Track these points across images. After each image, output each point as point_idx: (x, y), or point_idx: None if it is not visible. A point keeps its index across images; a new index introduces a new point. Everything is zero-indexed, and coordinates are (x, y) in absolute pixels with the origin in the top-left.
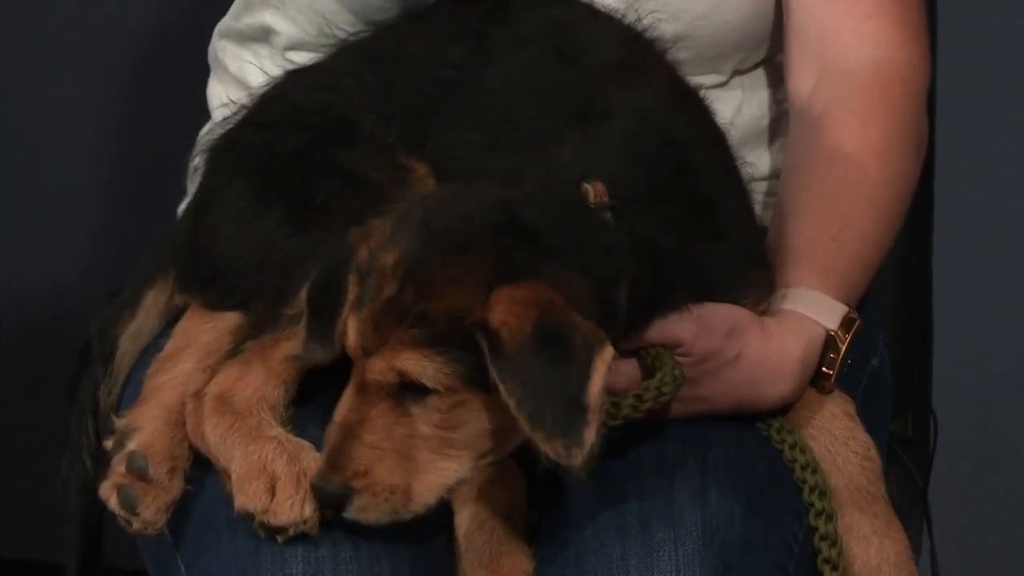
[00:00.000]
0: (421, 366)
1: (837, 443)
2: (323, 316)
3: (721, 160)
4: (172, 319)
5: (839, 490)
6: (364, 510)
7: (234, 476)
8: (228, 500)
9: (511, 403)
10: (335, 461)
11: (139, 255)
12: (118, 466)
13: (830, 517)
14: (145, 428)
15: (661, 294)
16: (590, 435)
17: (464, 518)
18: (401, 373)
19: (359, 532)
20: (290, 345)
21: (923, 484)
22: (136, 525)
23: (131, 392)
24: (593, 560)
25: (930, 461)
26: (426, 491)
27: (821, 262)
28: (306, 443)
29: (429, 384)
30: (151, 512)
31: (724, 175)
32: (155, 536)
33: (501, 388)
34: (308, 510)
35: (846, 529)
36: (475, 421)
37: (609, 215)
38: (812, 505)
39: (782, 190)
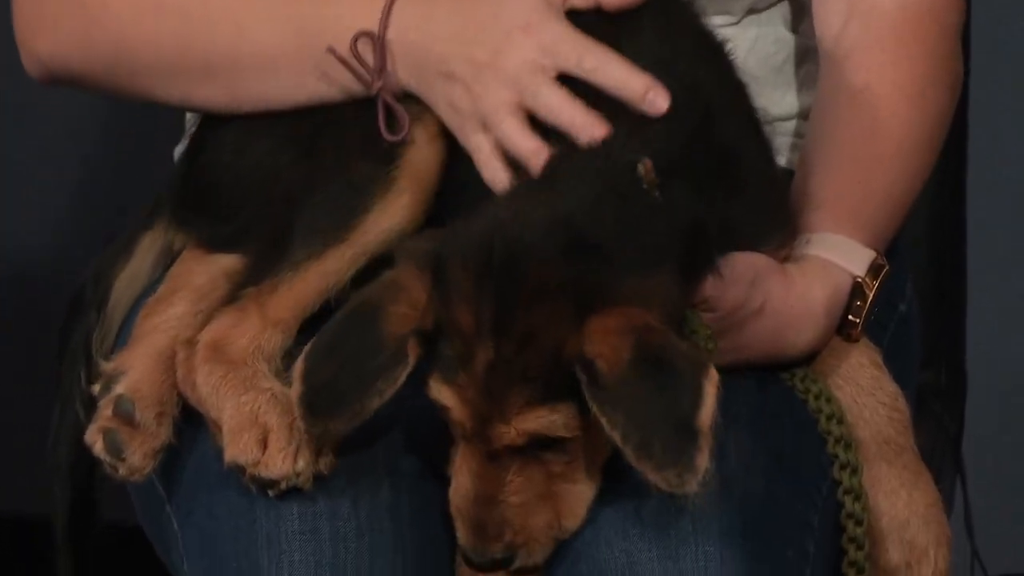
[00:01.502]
0: (550, 422)
1: (863, 393)
2: (346, 386)
3: (741, 108)
4: (169, 263)
5: (865, 442)
6: (531, 556)
7: (225, 428)
8: (219, 453)
9: (615, 436)
10: (487, 532)
11: (138, 200)
12: (105, 410)
13: (855, 470)
14: (133, 372)
15: (699, 262)
16: (703, 461)
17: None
18: (533, 435)
19: (359, 486)
20: (289, 294)
21: (956, 435)
22: (122, 471)
23: (124, 339)
24: (607, 517)
25: (963, 412)
26: (574, 517)
27: (847, 206)
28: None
29: (565, 434)
30: (138, 457)
31: (744, 123)
32: (143, 485)
33: (604, 421)
34: (301, 463)
35: (873, 482)
36: (599, 444)
37: (658, 194)
38: (836, 457)
39: (809, 133)
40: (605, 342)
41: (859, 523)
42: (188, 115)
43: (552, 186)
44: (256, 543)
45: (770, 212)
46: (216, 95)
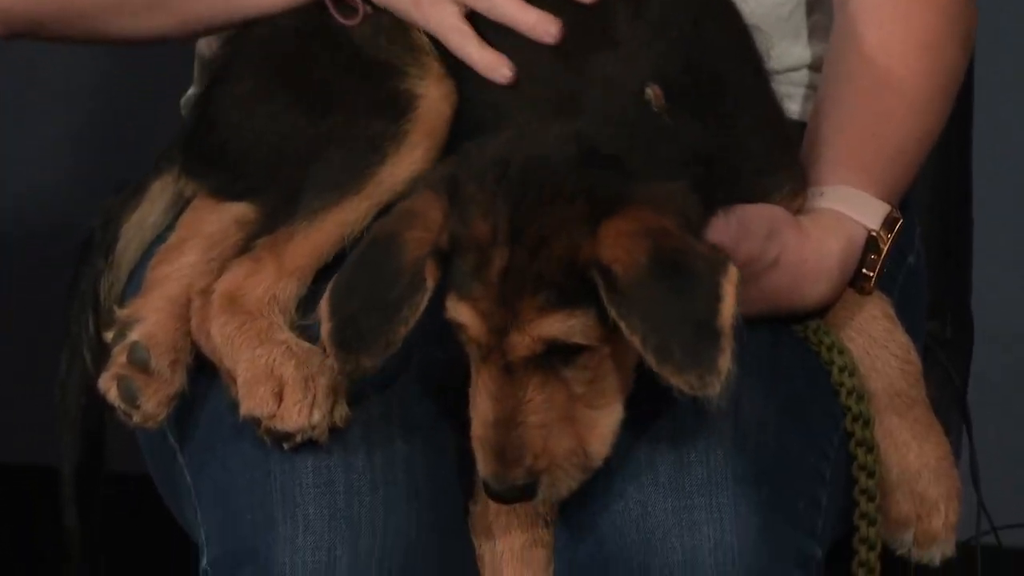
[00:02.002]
0: (568, 327)
1: (876, 345)
2: (371, 320)
3: (743, 49)
4: (180, 211)
5: (877, 394)
6: (555, 485)
7: (240, 380)
8: (233, 405)
9: (635, 340)
10: (508, 456)
11: (145, 149)
12: (119, 357)
13: (867, 422)
14: (148, 319)
15: (708, 197)
16: (725, 362)
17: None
18: (549, 341)
19: (373, 439)
20: (305, 243)
21: (961, 386)
22: (136, 418)
23: (135, 287)
24: (619, 464)
25: (968, 362)
26: (600, 445)
27: (860, 159)
28: (315, 348)
29: (582, 341)
30: (152, 404)
31: (745, 64)
32: (155, 436)
33: (623, 326)
34: (316, 415)
35: (884, 434)
36: (622, 365)
37: (668, 119)
38: (849, 409)
39: (822, 87)
40: (620, 245)
41: (871, 475)
42: (196, 63)
43: (563, 111)
44: (271, 496)
45: (776, 149)
46: (166, 23)
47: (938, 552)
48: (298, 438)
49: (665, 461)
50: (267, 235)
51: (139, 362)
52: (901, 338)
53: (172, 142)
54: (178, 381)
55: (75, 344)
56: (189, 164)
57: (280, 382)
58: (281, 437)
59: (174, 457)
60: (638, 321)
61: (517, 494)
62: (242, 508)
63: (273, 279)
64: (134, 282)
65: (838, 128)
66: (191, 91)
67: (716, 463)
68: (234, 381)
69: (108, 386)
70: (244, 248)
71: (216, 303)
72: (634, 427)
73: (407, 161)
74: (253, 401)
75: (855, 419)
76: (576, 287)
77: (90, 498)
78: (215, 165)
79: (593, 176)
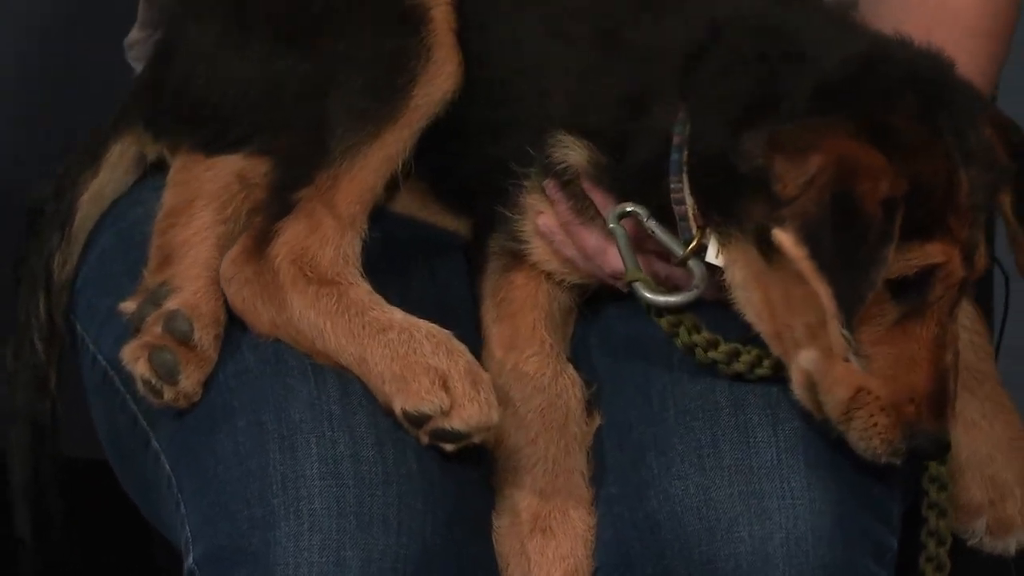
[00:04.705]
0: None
1: None
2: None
3: None
4: (141, 176)
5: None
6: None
7: (383, 370)
8: (224, 383)
9: None
10: (948, 408)
11: (85, 93)
12: (153, 326)
13: None
14: (187, 287)
15: None
16: None
17: (511, 427)
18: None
19: (382, 426)
20: (353, 185)
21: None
22: (168, 395)
23: (93, 263)
24: (678, 446)
25: (1002, 327)
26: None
27: None
28: (440, 328)
29: None
30: (192, 382)
31: None
32: (120, 419)
33: (1021, 236)
34: (495, 413)
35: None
36: None
37: None
38: None
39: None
40: (1000, 149)
41: (941, 462)
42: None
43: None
44: (270, 487)
45: None
46: None
47: (1013, 540)
48: (476, 439)
49: (727, 439)
50: (304, 186)
51: (180, 333)
52: (969, 307)
53: (130, 98)
54: (215, 359)
55: (24, 332)
56: (159, 124)
57: (440, 374)
58: (452, 438)
59: (147, 443)
60: None
61: (943, 452)
62: (236, 501)
63: (337, 233)
64: (89, 255)
65: None
66: (135, 32)
67: (786, 440)
68: (338, 365)
69: (136, 356)
70: (271, 201)
71: (286, 272)
72: (687, 401)
73: (439, 78)
74: (418, 397)
75: None
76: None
77: (45, 494)
78: (195, 119)
79: (964, 80)
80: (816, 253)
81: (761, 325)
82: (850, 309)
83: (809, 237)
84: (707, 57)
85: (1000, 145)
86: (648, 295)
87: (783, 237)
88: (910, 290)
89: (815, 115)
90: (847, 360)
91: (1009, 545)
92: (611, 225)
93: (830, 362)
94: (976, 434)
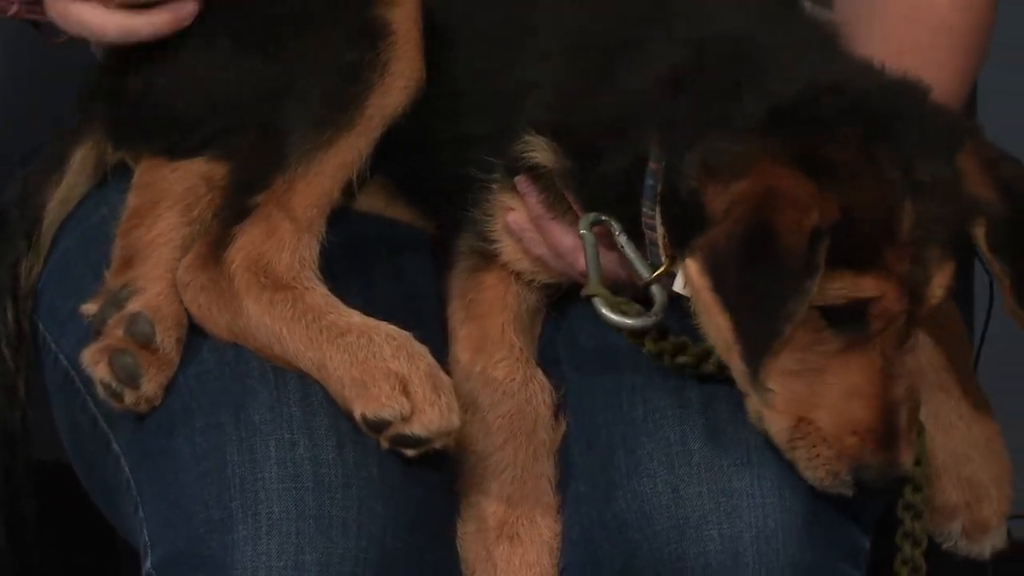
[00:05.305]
0: (954, 269)
1: None
2: (754, 325)
3: None
4: (102, 180)
5: (922, 372)
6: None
7: (343, 375)
8: (185, 386)
9: (1004, 282)
10: (901, 440)
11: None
12: (114, 328)
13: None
14: (149, 289)
15: None
16: None
17: (478, 432)
18: (949, 289)
19: (343, 428)
20: (310, 189)
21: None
22: (129, 399)
23: (56, 263)
24: (648, 444)
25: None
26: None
27: None
28: (400, 330)
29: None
30: (153, 386)
31: None
32: (82, 420)
33: (995, 269)
34: (455, 418)
35: (929, 414)
36: None
37: None
38: None
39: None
40: (978, 181)
41: (917, 461)
42: None
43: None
44: (228, 490)
45: None
46: None
47: (988, 543)
48: (437, 444)
49: (696, 437)
50: (261, 190)
51: (142, 336)
52: (951, 309)
53: (87, 100)
54: (177, 362)
55: None
56: (120, 133)
57: (400, 378)
58: (412, 443)
59: (108, 446)
60: (1007, 257)
61: (897, 485)
62: (194, 504)
63: (293, 238)
64: (52, 259)
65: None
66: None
67: (756, 441)
68: (301, 369)
69: (96, 359)
70: (227, 205)
71: (240, 278)
72: (658, 400)
73: (393, 92)
74: (377, 402)
75: None
76: (954, 229)
77: (19, 502)
78: (158, 126)
79: (937, 111)
80: (719, 285)
81: (720, 353)
82: (758, 343)
83: (714, 268)
84: (685, 85)
85: (982, 179)
86: (607, 313)
87: (691, 266)
88: (848, 320)
89: (756, 142)
90: (748, 395)
91: (984, 547)
92: (582, 231)
93: (772, 391)
94: (953, 435)
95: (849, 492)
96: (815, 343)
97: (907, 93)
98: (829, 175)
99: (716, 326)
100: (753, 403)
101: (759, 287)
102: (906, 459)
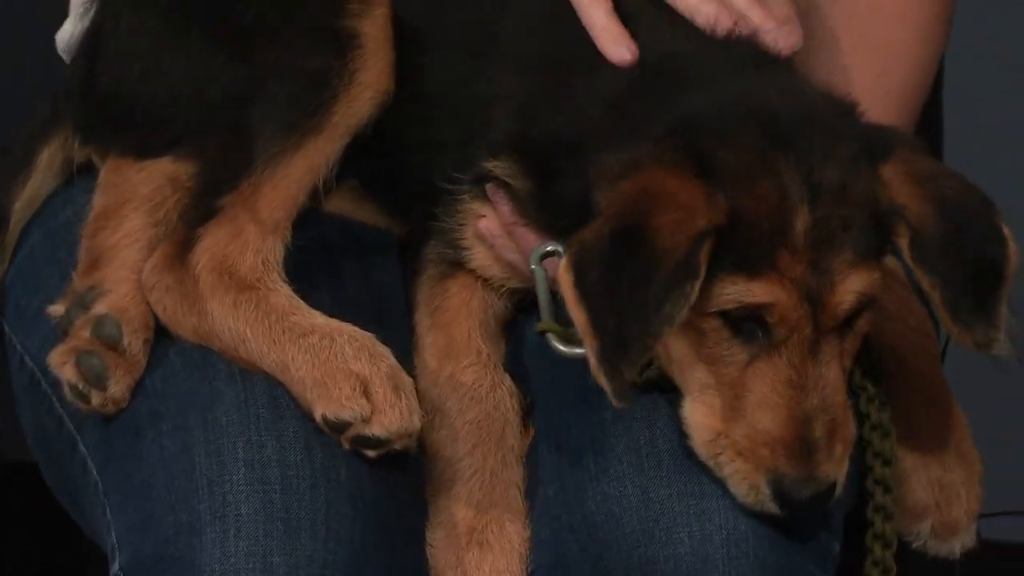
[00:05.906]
0: (874, 279)
1: (889, 318)
2: (631, 327)
3: None
4: (69, 178)
5: (890, 373)
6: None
7: (304, 376)
8: (152, 386)
9: (934, 294)
10: (819, 452)
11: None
12: (81, 330)
13: (884, 404)
14: (116, 290)
15: None
16: (1002, 313)
17: (447, 438)
18: (864, 298)
19: (311, 430)
20: (276, 193)
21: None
22: (96, 401)
23: (22, 262)
24: (616, 446)
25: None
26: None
27: (877, 107)
28: (363, 332)
29: (879, 295)
30: (121, 388)
31: None
32: (47, 421)
33: (924, 281)
34: (416, 419)
35: (898, 416)
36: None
37: None
38: (864, 389)
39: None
40: (909, 192)
41: (887, 463)
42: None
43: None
44: (196, 492)
45: None
46: None
47: (958, 544)
48: (397, 445)
49: (668, 439)
50: (228, 192)
51: (109, 338)
52: (917, 308)
53: (57, 100)
54: (144, 364)
55: None
56: (89, 130)
57: (361, 379)
58: (373, 444)
59: (74, 447)
60: (935, 270)
61: (822, 500)
62: (161, 506)
63: (258, 240)
64: (17, 259)
65: (845, 67)
66: (67, 26)
67: None
68: (254, 368)
69: (62, 361)
70: (193, 206)
71: (205, 280)
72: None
73: (359, 101)
74: (338, 403)
75: (870, 400)
76: (871, 237)
77: None
78: (126, 125)
79: (851, 119)
80: (579, 281)
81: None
82: (629, 345)
83: (578, 264)
84: (625, 107)
85: (910, 190)
86: (560, 347)
87: (562, 262)
88: (750, 330)
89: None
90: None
91: (954, 547)
92: (532, 267)
93: (693, 404)
94: (921, 436)
95: (777, 511)
96: (724, 355)
97: (825, 107)
98: (719, 178)
99: (576, 322)
100: (683, 416)
101: (624, 286)
102: (826, 470)
